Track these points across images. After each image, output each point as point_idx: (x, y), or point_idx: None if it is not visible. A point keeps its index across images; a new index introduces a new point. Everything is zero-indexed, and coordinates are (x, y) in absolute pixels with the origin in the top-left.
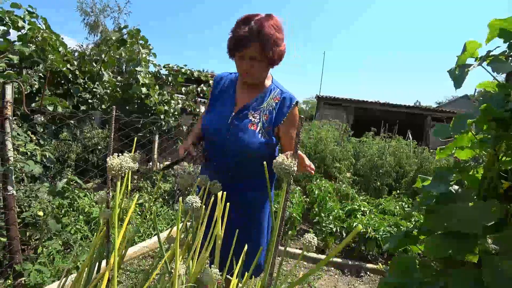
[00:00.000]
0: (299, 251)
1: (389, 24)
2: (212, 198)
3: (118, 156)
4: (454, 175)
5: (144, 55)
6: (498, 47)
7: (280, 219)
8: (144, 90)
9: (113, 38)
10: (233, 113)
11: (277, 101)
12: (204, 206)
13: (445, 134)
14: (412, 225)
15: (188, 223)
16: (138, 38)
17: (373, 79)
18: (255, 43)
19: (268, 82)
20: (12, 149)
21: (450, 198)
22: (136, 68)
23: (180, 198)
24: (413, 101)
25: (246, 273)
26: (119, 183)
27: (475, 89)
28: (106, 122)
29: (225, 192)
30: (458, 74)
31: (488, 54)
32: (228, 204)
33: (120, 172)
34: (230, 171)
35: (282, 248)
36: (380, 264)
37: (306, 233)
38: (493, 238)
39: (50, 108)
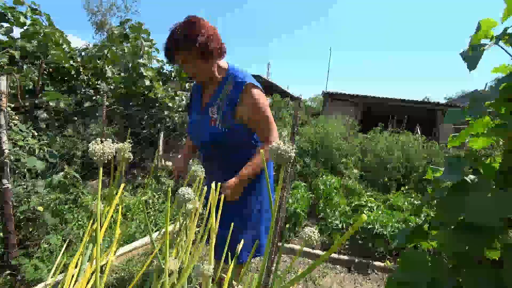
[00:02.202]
0: (305, 248)
1: (391, 23)
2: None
3: (101, 141)
4: (468, 164)
5: (146, 48)
6: None
7: (278, 207)
8: (147, 82)
9: (115, 32)
10: (199, 116)
11: (231, 88)
12: (197, 199)
13: (458, 119)
14: (422, 221)
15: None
16: (140, 32)
17: (379, 76)
18: (176, 51)
19: (222, 73)
20: (7, 142)
21: (464, 188)
22: (139, 60)
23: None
24: (421, 97)
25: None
26: (101, 170)
27: (486, 84)
28: (111, 119)
29: (219, 183)
30: (471, 55)
31: (505, 31)
32: (222, 196)
33: (102, 158)
34: (221, 169)
35: (286, 245)
36: (388, 261)
37: (307, 227)
38: None
39: (53, 104)
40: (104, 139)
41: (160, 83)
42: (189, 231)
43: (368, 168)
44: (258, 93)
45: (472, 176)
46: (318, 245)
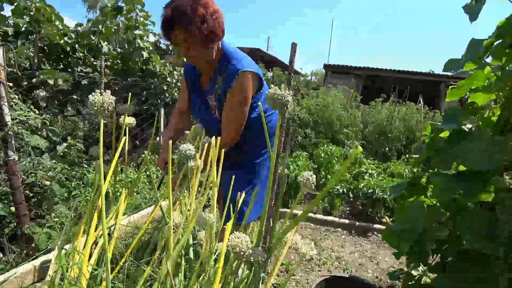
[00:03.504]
0: (309, 214)
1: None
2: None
3: (100, 93)
4: (466, 115)
5: (141, 19)
6: None
7: (276, 155)
8: (145, 54)
9: (108, 5)
10: (199, 99)
11: (225, 75)
12: (198, 156)
13: (457, 67)
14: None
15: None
16: (135, 3)
17: (384, 45)
18: (177, 25)
19: (217, 55)
20: (8, 114)
21: (462, 136)
22: (135, 32)
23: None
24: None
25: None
26: (102, 121)
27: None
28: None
29: (219, 138)
30: (474, 6)
31: None
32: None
33: (102, 108)
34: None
35: (288, 210)
36: (387, 217)
37: (305, 171)
38: (511, 175)
39: (51, 82)
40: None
41: (158, 57)
42: (191, 188)
43: (369, 139)
44: (244, 84)
45: (469, 125)
46: (320, 210)
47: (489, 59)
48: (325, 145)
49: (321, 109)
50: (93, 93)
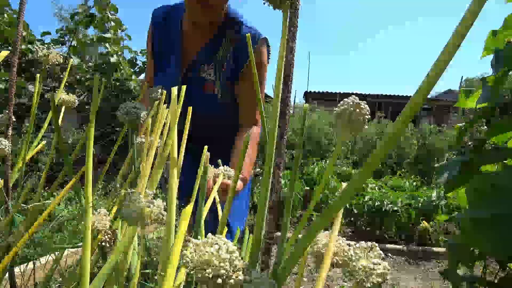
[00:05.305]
0: None
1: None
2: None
3: None
4: None
5: (113, 24)
6: None
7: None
8: (113, 59)
9: (79, 10)
10: (181, 74)
11: (237, 41)
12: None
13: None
14: (429, 198)
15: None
16: (109, 9)
17: (363, 68)
18: None
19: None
20: None
21: None
22: (105, 35)
23: None
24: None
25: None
26: None
27: (461, 79)
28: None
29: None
30: None
31: None
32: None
33: None
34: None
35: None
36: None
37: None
38: None
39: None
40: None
41: (133, 76)
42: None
43: (359, 156)
44: (265, 57)
45: None
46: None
47: None
48: (315, 163)
49: (308, 129)
50: None
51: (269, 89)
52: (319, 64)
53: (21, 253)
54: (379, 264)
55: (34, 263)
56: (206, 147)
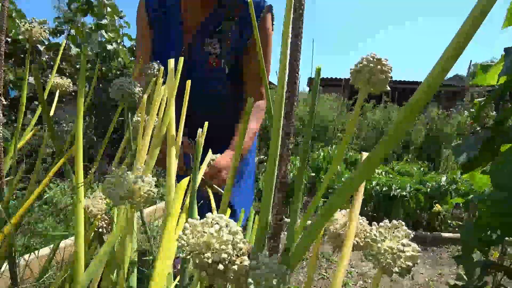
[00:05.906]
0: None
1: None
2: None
3: None
4: None
5: (109, 10)
6: None
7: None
8: (110, 46)
9: None
10: (183, 48)
11: (239, 12)
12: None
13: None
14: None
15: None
16: None
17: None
18: None
19: None
20: None
21: None
22: (101, 22)
23: None
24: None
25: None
26: None
27: (470, 63)
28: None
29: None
30: None
31: None
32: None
33: None
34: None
35: (287, 220)
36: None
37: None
38: None
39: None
40: None
41: (133, 65)
42: (136, 158)
43: (365, 141)
44: (270, 26)
45: None
46: None
47: None
48: (320, 149)
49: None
50: None
51: (272, 77)
52: (319, 64)
53: (24, 243)
54: (409, 246)
55: (36, 254)
56: (206, 123)
